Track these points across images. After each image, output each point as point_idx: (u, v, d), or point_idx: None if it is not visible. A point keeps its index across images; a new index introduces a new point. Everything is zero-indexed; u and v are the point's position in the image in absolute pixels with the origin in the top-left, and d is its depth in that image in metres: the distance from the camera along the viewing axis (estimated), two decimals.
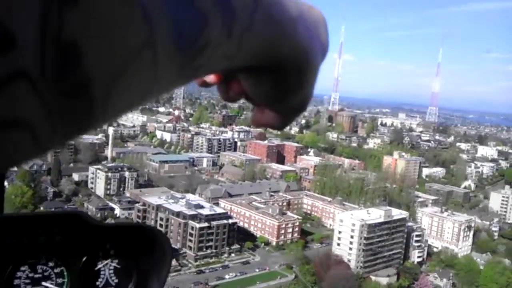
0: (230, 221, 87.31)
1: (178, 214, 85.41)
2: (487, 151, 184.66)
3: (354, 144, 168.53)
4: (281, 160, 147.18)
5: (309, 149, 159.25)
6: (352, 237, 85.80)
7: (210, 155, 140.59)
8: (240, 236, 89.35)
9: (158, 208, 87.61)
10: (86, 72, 0.26)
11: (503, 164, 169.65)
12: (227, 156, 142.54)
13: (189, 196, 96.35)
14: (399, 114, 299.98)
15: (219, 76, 0.55)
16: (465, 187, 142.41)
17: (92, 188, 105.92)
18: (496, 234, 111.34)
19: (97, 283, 1.04)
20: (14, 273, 0.95)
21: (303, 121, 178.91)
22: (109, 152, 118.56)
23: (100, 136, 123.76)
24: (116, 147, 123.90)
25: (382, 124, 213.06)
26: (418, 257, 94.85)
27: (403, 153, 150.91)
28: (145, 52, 0.30)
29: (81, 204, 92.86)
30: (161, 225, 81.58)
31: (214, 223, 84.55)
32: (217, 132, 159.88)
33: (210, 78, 0.54)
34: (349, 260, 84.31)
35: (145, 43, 0.30)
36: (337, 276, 74.78)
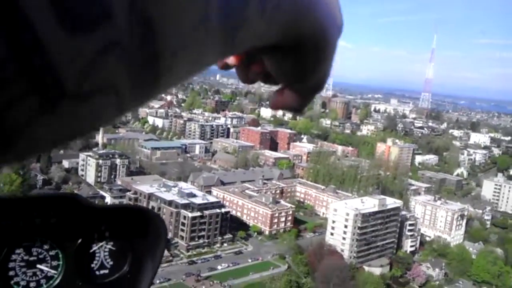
0: (223, 210, 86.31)
1: (170, 203, 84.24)
2: (480, 138, 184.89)
3: (348, 131, 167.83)
4: (274, 146, 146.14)
5: (302, 136, 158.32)
6: (346, 226, 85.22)
7: (203, 141, 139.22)
8: (233, 225, 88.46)
9: (150, 196, 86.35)
10: (158, 45, 0.31)
11: (496, 151, 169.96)
12: (220, 142, 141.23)
13: (182, 184, 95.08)
14: (391, 100, 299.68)
15: (239, 58, 0.58)
16: (457, 175, 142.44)
17: (82, 175, 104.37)
18: (488, 222, 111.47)
19: (92, 265, 1.05)
20: (9, 256, 0.96)
21: None
22: (100, 138, 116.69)
23: None
24: (107, 133, 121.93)
25: (375, 111, 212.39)
26: (411, 246, 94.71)
27: (397, 140, 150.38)
28: (201, 28, 0.34)
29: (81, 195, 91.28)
30: None
31: (206, 212, 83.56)
32: (210, 118, 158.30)
33: (231, 60, 0.57)
34: (342, 250, 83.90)
35: (201, 20, 0.34)
36: (331, 266, 74.24)
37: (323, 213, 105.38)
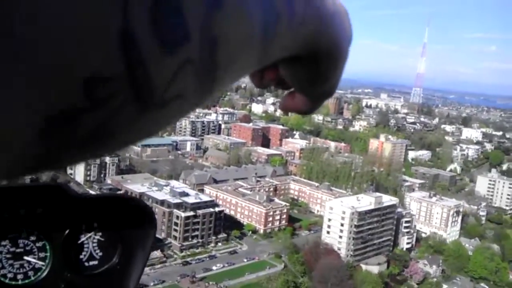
0: (217, 209, 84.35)
1: (162, 202, 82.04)
2: (472, 133, 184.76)
3: (340, 127, 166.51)
4: (266, 143, 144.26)
5: (294, 132, 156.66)
6: (342, 225, 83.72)
7: (194, 138, 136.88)
8: (227, 224, 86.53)
9: (141, 196, 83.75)
10: (218, 59, 0.36)
11: (488, 146, 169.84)
12: (211, 139, 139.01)
13: (173, 183, 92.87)
14: (381, 94, 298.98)
15: None
16: (451, 170, 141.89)
17: (71, 174, 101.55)
18: (483, 218, 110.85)
19: (81, 256, 1.02)
20: None
21: None
22: None
23: None
24: None
25: (367, 106, 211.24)
26: (407, 243, 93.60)
27: (389, 136, 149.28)
28: (247, 43, 0.39)
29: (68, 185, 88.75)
30: None
31: (200, 211, 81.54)
32: (201, 114, 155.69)
33: None
34: (339, 249, 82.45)
35: (248, 36, 0.39)
36: (328, 266, 72.80)
37: (318, 211, 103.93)
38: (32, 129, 0.28)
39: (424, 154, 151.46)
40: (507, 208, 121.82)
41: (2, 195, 0.92)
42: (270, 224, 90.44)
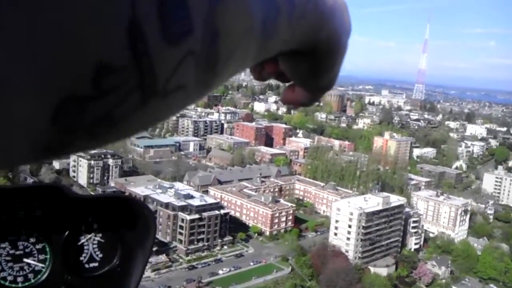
0: (222, 211, 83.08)
1: (167, 205, 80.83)
2: (476, 129, 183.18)
3: (343, 125, 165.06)
4: (269, 142, 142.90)
5: (297, 131, 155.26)
6: (350, 226, 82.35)
7: (197, 138, 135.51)
8: (232, 226, 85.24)
9: (146, 199, 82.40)
10: (219, 52, 0.38)
11: (493, 142, 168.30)
12: (214, 139, 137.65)
13: (178, 185, 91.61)
14: (382, 91, 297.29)
15: None
16: (456, 168, 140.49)
17: (74, 177, 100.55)
18: (491, 217, 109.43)
19: (81, 258, 1.01)
20: None
21: None
22: None
23: None
24: None
25: (370, 103, 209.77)
26: (415, 243, 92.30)
27: (394, 134, 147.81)
28: (247, 37, 0.41)
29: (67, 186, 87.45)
30: None
31: (205, 214, 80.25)
32: (203, 114, 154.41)
33: None
34: (346, 251, 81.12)
35: (248, 30, 0.41)
36: (336, 268, 71.51)
37: (324, 211, 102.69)
38: (45, 116, 0.29)
39: (429, 151, 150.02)
40: None
41: (1, 197, 0.92)
42: (276, 226, 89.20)
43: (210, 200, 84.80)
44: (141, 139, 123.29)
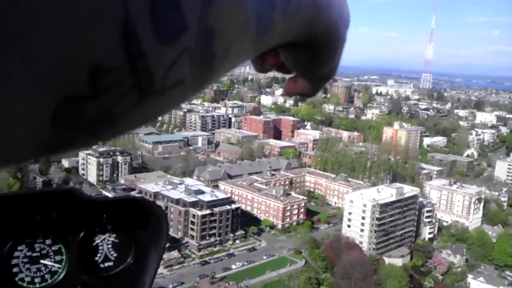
0: (233, 206, 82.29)
1: (177, 201, 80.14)
2: (486, 117, 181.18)
3: (352, 116, 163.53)
4: (278, 135, 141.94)
5: (305, 123, 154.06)
6: (363, 218, 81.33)
7: (205, 133, 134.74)
8: (243, 220, 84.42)
9: (156, 195, 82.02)
10: (215, 47, 0.39)
11: (503, 130, 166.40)
12: (222, 133, 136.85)
13: (188, 180, 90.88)
14: (388, 80, 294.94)
15: None
16: (467, 156, 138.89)
17: (83, 175, 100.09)
18: (505, 204, 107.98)
19: (96, 258, 1.04)
20: (12, 253, 0.96)
21: None
22: None
23: None
24: None
25: (377, 94, 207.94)
26: (429, 233, 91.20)
27: (403, 123, 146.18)
28: (242, 32, 0.42)
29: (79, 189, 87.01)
30: None
31: (216, 209, 79.45)
32: (210, 108, 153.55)
33: None
34: (361, 242, 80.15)
35: (242, 26, 0.42)
36: (350, 260, 70.59)
37: (335, 203, 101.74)
38: (44, 116, 0.30)
39: (440, 140, 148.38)
40: None
41: (18, 202, 0.95)
42: (288, 219, 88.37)
43: (221, 195, 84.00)
44: (149, 135, 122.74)
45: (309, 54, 0.59)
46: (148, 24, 0.32)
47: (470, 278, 79.20)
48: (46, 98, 0.30)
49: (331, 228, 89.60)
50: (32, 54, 0.28)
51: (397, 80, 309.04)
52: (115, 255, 1.05)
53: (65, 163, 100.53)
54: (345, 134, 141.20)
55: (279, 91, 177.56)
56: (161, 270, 68.61)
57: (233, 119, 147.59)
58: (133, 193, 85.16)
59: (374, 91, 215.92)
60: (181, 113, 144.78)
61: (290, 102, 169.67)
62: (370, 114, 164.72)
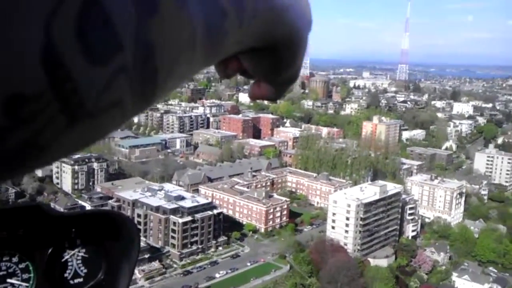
0: (215, 211, 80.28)
1: (157, 209, 77.82)
2: (463, 107, 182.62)
3: (331, 111, 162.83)
4: (257, 134, 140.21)
5: (285, 120, 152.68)
6: (348, 219, 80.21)
7: (183, 135, 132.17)
8: (226, 226, 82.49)
9: (135, 203, 79.68)
10: (156, 64, 0.37)
11: (480, 120, 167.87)
12: (201, 134, 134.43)
13: (167, 186, 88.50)
14: (363, 72, 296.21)
15: None
16: (446, 148, 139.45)
17: (58, 183, 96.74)
18: (485, 197, 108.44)
19: (66, 274, 1.01)
20: None
21: None
22: None
23: None
24: None
25: (355, 87, 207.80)
26: (413, 231, 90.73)
27: (382, 118, 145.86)
28: (189, 46, 0.41)
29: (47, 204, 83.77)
30: (139, 222, 73.82)
31: (198, 215, 77.44)
32: (188, 109, 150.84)
33: None
34: (345, 244, 79.11)
35: (189, 39, 0.40)
36: (336, 263, 69.44)
37: (318, 203, 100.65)
38: None
39: (418, 133, 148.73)
40: (507, 184, 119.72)
41: None
42: (271, 222, 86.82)
43: (202, 201, 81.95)
44: (126, 139, 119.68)
45: (270, 59, 0.58)
46: (75, 46, 0.31)
47: (454, 276, 78.92)
48: None
49: (315, 230, 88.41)
50: None
51: (372, 72, 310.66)
52: (85, 270, 1.03)
53: (38, 172, 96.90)
54: (324, 131, 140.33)
55: None
56: (142, 282, 66.42)
57: (211, 119, 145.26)
58: (110, 201, 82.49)
59: (351, 85, 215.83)
60: (158, 115, 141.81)
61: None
62: (349, 108, 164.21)
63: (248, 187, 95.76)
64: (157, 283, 68.26)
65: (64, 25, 0.30)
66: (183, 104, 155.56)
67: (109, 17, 0.33)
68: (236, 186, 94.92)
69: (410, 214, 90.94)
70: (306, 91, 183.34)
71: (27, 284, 0.96)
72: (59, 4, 0.30)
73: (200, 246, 77.51)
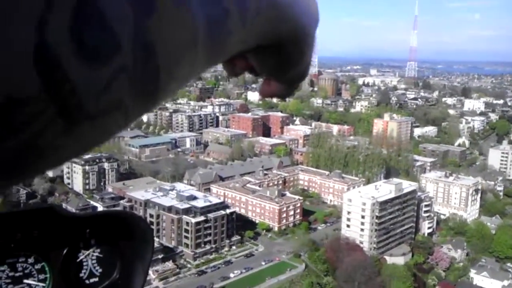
0: (228, 211, 79.23)
1: (169, 209, 76.90)
2: (474, 104, 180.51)
3: (340, 109, 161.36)
4: (267, 132, 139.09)
5: (294, 118, 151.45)
6: (363, 217, 78.86)
7: (193, 133, 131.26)
8: (238, 224, 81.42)
9: (147, 204, 78.82)
10: (157, 65, 0.37)
11: (492, 116, 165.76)
12: (211, 133, 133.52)
13: (179, 185, 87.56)
14: (370, 70, 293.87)
15: None
16: (459, 145, 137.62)
17: (69, 184, 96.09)
18: (501, 194, 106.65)
19: (81, 274, 1.02)
20: None
21: None
22: None
23: None
24: None
25: (364, 85, 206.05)
26: (428, 228, 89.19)
27: (394, 115, 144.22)
28: (191, 46, 0.40)
29: (60, 206, 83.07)
30: (151, 223, 72.81)
31: (210, 215, 76.44)
32: (197, 108, 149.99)
33: None
34: (361, 242, 77.75)
35: (191, 39, 0.40)
36: (352, 262, 68.13)
37: (331, 200, 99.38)
38: None
39: (430, 130, 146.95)
40: None
41: None
42: (284, 221, 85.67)
43: (214, 200, 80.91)
44: (136, 139, 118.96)
45: (277, 57, 0.57)
46: (70, 47, 0.30)
47: (473, 273, 77.39)
48: None
49: (329, 228, 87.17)
50: None
51: (379, 69, 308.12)
52: (100, 270, 1.04)
53: (49, 173, 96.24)
54: (335, 128, 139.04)
55: None
56: (156, 283, 65.47)
57: (220, 118, 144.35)
58: (122, 202, 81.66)
59: (360, 82, 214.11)
60: (167, 114, 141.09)
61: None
62: (359, 106, 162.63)
63: (260, 186, 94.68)
64: (172, 283, 67.28)
65: (58, 25, 0.30)
66: (192, 103, 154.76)
67: (105, 16, 0.32)
68: (248, 185, 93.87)
69: (426, 211, 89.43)
70: (315, 89, 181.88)
71: (43, 284, 0.98)
72: (52, 3, 0.30)
73: (213, 246, 76.49)
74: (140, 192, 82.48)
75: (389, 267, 71.85)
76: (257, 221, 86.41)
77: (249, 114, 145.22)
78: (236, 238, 79.52)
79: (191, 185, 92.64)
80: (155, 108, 0.51)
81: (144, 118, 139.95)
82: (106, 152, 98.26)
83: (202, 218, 75.40)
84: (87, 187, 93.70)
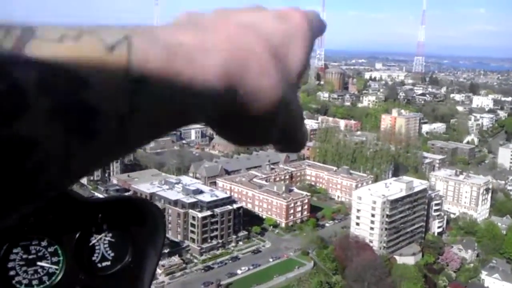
0: (235, 206, 77.62)
1: (175, 202, 75.36)
2: (482, 101, 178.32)
3: (347, 103, 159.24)
4: None
5: None
6: (373, 215, 77.18)
7: (198, 125, 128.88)
8: (245, 219, 79.90)
9: (152, 197, 76.99)
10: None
11: (501, 114, 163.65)
12: None
13: (184, 179, 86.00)
14: (376, 64, 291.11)
15: None
16: (468, 142, 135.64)
17: None
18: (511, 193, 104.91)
19: (93, 258, 1.03)
20: (8, 256, 0.95)
21: None
22: None
23: None
24: None
25: (371, 79, 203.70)
26: (438, 227, 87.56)
27: (402, 110, 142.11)
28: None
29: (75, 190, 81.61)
30: None
31: (217, 210, 74.91)
32: None
33: None
34: (371, 241, 76.15)
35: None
36: (362, 261, 66.61)
37: (338, 197, 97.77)
38: None
39: (438, 126, 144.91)
40: None
41: None
42: (291, 217, 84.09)
43: (221, 195, 79.32)
44: None
45: (237, 128, 0.47)
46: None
47: (484, 275, 75.81)
48: None
49: (337, 225, 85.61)
50: None
51: (385, 63, 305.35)
52: (112, 254, 1.05)
53: None
54: (342, 123, 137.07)
55: None
56: (162, 278, 64.02)
57: None
58: (127, 194, 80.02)
59: (366, 76, 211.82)
60: None
61: None
62: (366, 101, 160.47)
63: (266, 180, 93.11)
64: (178, 279, 65.81)
65: None
66: None
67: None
68: (255, 179, 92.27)
69: (436, 210, 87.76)
70: (322, 82, 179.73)
71: (56, 267, 1.00)
72: None
73: (220, 241, 74.99)
74: (146, 185, 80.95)
75: (400, 267, 70.26)
76: (264, 217, 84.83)
77: None
78: (243, 233, 78.00)
79: (196, 178, 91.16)
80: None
81: None
82: None
83: (208, 212, 73.85)
84: (92, 178, 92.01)
